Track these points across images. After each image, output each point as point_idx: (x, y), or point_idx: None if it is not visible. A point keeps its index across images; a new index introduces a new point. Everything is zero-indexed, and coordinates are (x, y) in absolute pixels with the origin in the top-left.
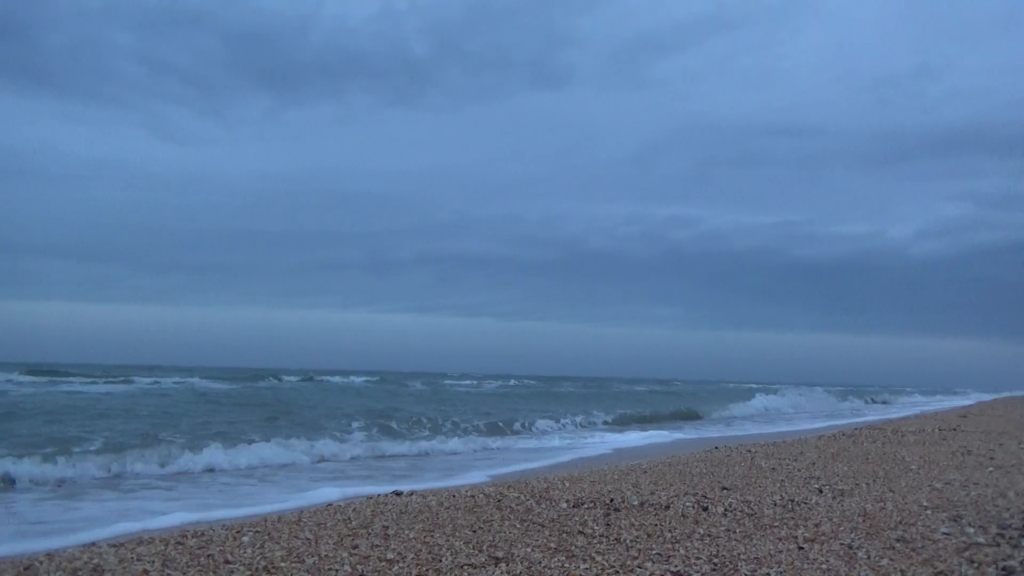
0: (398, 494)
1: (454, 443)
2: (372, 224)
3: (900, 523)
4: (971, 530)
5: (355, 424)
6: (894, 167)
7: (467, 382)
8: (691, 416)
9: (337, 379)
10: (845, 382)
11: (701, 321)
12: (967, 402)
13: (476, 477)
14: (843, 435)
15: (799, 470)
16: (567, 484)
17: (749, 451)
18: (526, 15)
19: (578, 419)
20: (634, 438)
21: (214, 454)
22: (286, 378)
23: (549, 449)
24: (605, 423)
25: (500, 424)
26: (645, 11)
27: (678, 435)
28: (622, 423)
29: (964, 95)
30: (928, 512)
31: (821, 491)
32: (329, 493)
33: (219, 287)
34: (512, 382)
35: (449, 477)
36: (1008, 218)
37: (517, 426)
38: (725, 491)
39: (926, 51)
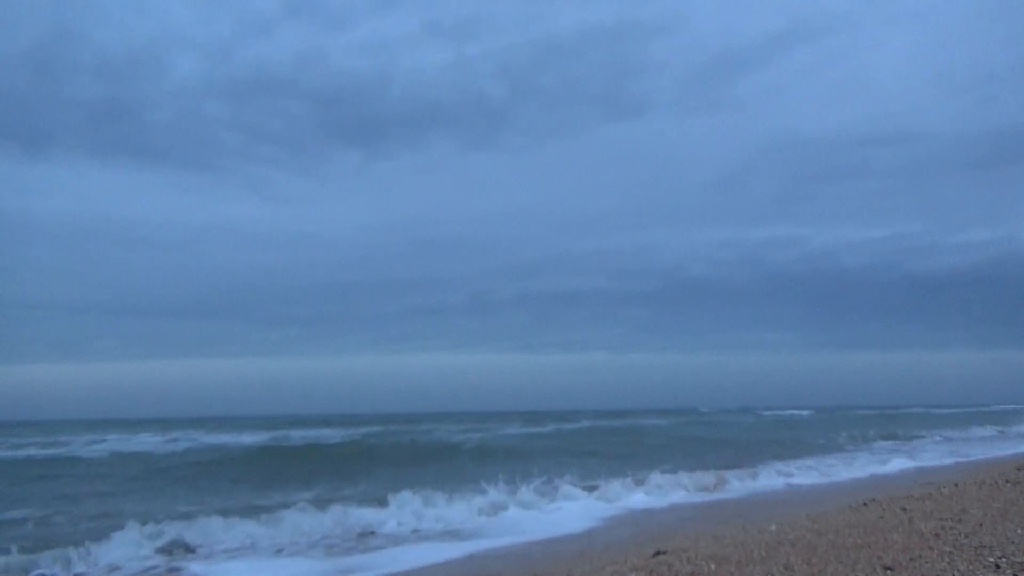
0: None
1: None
2: (467, 267)
3: None
4: None
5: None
6: (1010, 167)
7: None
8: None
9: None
10: (991, 401)
11: (814, 345)
12: None
13: None
14: (1007, 482)
15: (965, 535)
16: (714, 566)
17: (904, 509)
18: (595, 48)
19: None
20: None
21: None
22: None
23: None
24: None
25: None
26: (715, 33)
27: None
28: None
29: None
30: None
31: (998, 566)
32: None
33: (327, 337)
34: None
35: None
36: None
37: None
38: (889, 572)
39: None
